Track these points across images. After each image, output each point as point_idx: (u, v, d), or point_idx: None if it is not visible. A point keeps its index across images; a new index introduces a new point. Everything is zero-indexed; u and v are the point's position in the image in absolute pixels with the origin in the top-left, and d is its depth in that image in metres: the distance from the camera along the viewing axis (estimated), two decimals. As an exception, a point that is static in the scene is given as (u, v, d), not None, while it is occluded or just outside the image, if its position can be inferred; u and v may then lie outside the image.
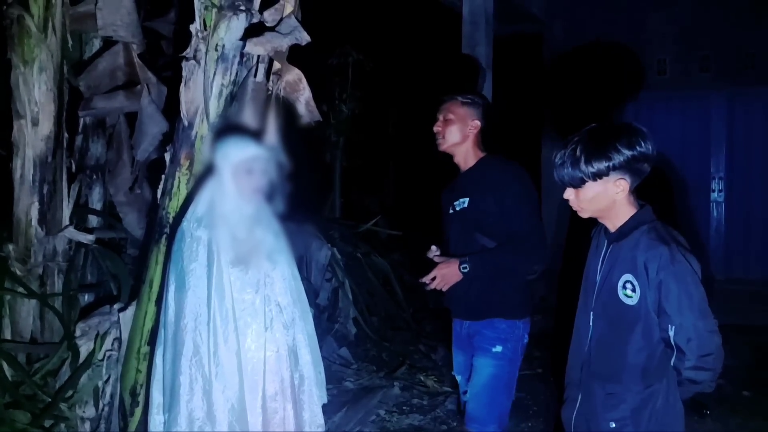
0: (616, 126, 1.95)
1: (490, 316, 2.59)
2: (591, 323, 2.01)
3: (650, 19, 7.00)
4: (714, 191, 7.05)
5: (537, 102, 7.39)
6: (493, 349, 2.57)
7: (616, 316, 1.93)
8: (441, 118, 2.71)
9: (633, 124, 1.94)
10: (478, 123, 2.68)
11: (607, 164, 1.86)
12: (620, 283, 1.90)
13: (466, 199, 2.66)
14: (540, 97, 7.48)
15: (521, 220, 2.57)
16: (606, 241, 2.00)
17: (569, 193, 1.96)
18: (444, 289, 2.58)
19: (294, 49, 2.71)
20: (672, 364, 1.87)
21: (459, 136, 2.67)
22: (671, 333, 1.82)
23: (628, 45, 7.05)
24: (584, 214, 2.00)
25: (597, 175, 1.88)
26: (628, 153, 1.85)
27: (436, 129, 2.71)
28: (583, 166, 1.88)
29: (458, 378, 2.81)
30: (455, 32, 6.01)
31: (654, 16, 6.98)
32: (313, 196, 6.42)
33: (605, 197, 1.92)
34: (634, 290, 1.87)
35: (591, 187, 1.91)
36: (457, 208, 2.69)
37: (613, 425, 1.93)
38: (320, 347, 2.47)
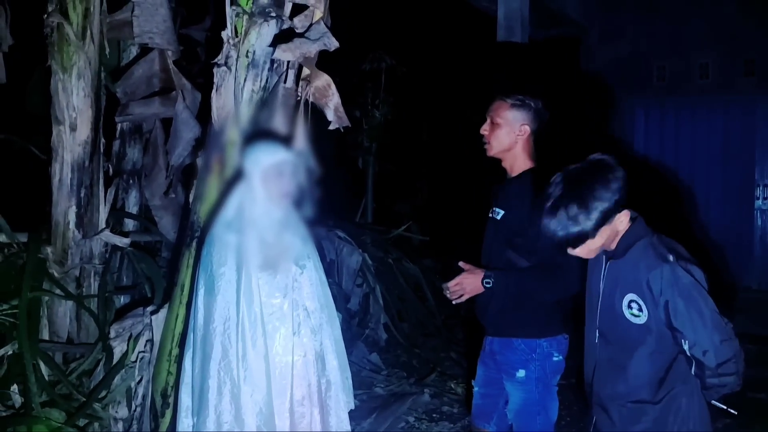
0: (585, 170, 1.85)
1: (508, 334, 2.48)
2: (596, 341, 2.00)
3: (692, 22, 6.81)
4: (758, 199, 6.80)
5: (574, 107, 7.26)
6: (517, 374, 2.45)
7: (624, 335, 1.91)
8: (488, 120, 2.52)
9: (600, 158, 1.86)
10: (527, 128, 2.48)
11: (598, 217, 1.78)
12: (625, 303, 1.88)
13: (502, 212, 2.53)
14: (577, 102, 7.35)
15: (553, 251, 2.32)
16: (604, 257, 1.96)
17: (581, 251, 1.88)
18: (461, 299, 2.47)
19: (326, 54, 2.71)
20: (693, 373, 1.85)
21: (506, 142, 2.49)
22: (686, 347, 1.81)
23: (668, 49, 6.89)
24: (592, 254, 1.92)
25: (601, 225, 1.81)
26: (609, 197, 1.78)
27: (482, 132, 2.53)
28: (585, 225, 1.80)
29: (474, 387, 2.69)
30: (490, 37, 5.96)
31: (695, 19, 6.79)
32: (345, 202, 6.44)
33: (612, 234, 1.87)
34: (640, 309, 1.85)
35: (602, 234, 1.83)
36: (493, 216, 2.57)
37: None
38: (351, 353, 2.46)
